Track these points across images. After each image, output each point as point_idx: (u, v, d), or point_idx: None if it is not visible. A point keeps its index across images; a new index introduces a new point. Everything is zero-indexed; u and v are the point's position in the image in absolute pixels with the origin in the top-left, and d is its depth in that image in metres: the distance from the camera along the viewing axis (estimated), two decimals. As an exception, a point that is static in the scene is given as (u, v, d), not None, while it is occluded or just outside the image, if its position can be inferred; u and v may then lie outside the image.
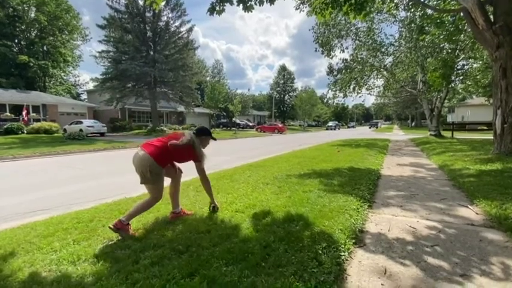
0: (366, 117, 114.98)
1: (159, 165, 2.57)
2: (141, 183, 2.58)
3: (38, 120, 21.43)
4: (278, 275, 1.79)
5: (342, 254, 2.10)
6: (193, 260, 1.97)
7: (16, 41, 32.21)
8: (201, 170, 2.90)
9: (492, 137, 7.55)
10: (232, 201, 3.47)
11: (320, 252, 2.08)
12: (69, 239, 2.44)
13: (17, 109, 21.50)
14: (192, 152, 2.78)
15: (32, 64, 29.96)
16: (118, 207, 3.34)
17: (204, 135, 2.95)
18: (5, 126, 17.74)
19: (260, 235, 2.40)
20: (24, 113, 20.11)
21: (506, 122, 6.61)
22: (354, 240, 2.38)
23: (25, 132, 18.25)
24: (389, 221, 2.92)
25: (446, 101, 19.14)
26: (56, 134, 18.64)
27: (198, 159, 2.82)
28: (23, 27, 31.63)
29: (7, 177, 6.42)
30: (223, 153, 11.07)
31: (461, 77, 16.52)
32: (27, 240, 2.44)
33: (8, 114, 20.94)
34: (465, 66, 16.52)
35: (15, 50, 31.26)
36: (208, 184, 3.02)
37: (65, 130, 19.63)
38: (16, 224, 2.96)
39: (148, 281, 1.75)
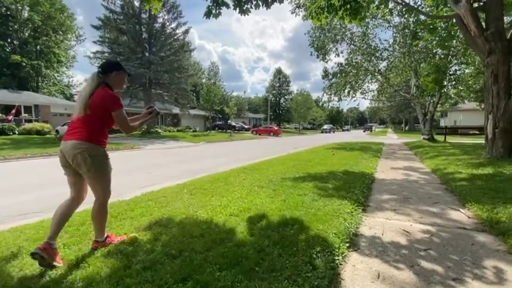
0: (360, 120, 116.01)
1: (97, 146, 2.13)
2: (84, 175, 2.13)
3: (30, 121, 21.10)
4: (272, 280, 1.77)
5: (336, 258, 2.10)
6: (186, 265, 1.95)
7: (9, 40, 31.77)
8: (122, 120, 2.17)
9: (484, 142, 7.67)
10: (227, 205, 3.45)
11: (314, 256, 2.08)
12: (60, 243, 2.38)
13: (8, 109, 21.12)
14: (104, 100, 2.08)
15: (24, 64, 29.54)
16: (110, 211, 3.28)
17: (114, 69, 2.22)
18: (-4, 127, 17.41)
19: (254, 239, 2.38)
20: (12, 112, 19.75)
21: (498, 127, 6.73)
22: (348, 244, 2.38)
23: (16, 133, 17.93)
24: (383, 224, 2.93)
25: (439, 105, 19.44)
26: (48, 135, 18.36)
27: (116, 106, 2.11)
28: (16, 26, 31.21)
29: (-3, 179, 6.28)
30: (218, 156, 11.04)
31: (453, 82, 16.82)
32: (16, 244, 2.38)
33: (-1, 114, 20.57)
34: (457, 72, 16.84)
35: (7, 49, 30.83)
36: (136, 127, 2.36)
37: (57, 131, 19.35)
38: (5, 227, 2.89)
39: (140, 287, 1.72)
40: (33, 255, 1.92)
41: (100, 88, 2.12)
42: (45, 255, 1.93)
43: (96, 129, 2.14)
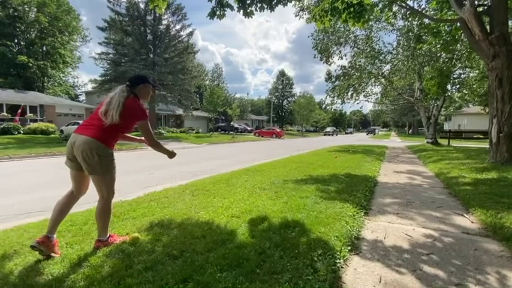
0: (363, 123, 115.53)
1: (105, 146, 2.19)
2: (89, 173, 2.18)
3: (35, 121, 21.30)
4: (273, 282, 1.77)
5: (338, 261, 2.09)
6: (187, 266, 1.95)
7: (16, 41, 32.26)
8: (147, 130, 2.31)
9: (488, 146, 7.60)
10: (229, 206, 3.45)
11: (315, 259, 2.07)
12: (62, 242, 2.40)
13: (14, 109, 21.37)
14: (132, 109, 2.21)
15: (31, 64, 29.94)
16: (112, 210, 3.30)
17: (141, 83, 2.36)
18: (1, 126, 17.59)
19: (256, 241, 2.38)
20: (18, 112, 19.98)
21: (502, 132, 6.67)
22: (349, 248, 2.36)
23: (21, 132, 18.11)
24: (386, 228, 2.92)
25: (443, 109, 19.33)
26: (52, 135, 18.52)
27: (142, 117, 2.25)
28: (23, 27, 31.68)
29: (1, 177, 6.34)
30: (220, 157, 11.06)
31: (457, 86, 16.72)
32: (19, 243, 2.41)
33: (4, 114, 20.80)
34: (462, 75, 16.74)
35: (14, 50, 31.25)
36: (159, 147, 2.46)
37: (61, 131, 19.53)
38: (9, 226, 2.92)
39: (141, 287, 1.72)
40: (33, 247, 2.09)
41: (130, 98, 2.25)
42: (43, 248, 2.09)
43: (111, 131, 2.21)
